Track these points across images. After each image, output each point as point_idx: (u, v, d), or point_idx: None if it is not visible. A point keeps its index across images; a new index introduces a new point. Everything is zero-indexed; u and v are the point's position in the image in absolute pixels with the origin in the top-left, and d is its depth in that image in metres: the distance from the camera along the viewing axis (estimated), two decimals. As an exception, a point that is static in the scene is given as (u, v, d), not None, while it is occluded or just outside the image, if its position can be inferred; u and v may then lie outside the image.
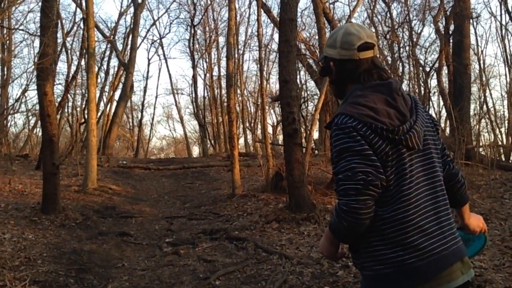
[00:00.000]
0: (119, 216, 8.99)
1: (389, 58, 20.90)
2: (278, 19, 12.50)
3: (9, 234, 6.62)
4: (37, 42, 21.14)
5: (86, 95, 14.08)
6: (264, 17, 18.08)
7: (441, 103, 20.58)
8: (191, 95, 31.02)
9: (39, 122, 23.19)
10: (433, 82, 20.15)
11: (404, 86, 20.96)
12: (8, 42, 21.42)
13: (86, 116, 16.10)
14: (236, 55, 23.35)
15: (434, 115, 18.11)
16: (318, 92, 18.86)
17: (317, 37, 17.77)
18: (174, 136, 43.14)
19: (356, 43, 1.76)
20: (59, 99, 16.01)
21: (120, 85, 25.48)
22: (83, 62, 17.89)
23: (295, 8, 7.72)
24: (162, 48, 33.77)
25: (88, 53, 11.70)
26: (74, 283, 5.24)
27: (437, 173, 1.78)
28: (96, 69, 17.76)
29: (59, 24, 17.02)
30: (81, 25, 20.25)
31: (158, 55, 43.22)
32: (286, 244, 6.33)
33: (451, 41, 15.43)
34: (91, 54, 11.59)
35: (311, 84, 22.25)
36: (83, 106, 20.12)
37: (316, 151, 15.55)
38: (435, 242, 1.67)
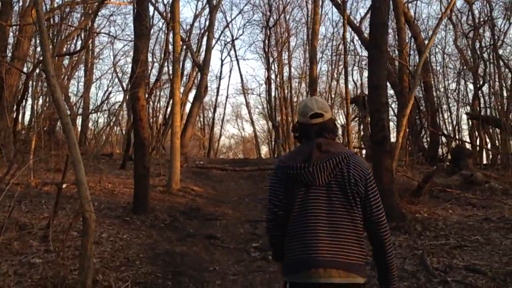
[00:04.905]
0: (204, 218, 9.17)
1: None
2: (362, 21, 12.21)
3: (106, 234, 6.94)
4: (116, 45, 21.92)
5: (167, 98, 14.38)
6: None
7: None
8: (262, 96, 31.20)
9: (118, 121, 24.21)
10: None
11: (485, 88, 19.95)
12: (91, 44, 22.46)
13: (167, 118, 16.62)
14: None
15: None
16: (394, 96, 18.35)
17: (397, 38, 17.33)
18: (243, 135, 43.67)
19: (309, 112, 2.40)
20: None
21: (194, 86, 26.03)
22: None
23: (387, 12, 7.51)
24: (235, 49, 34.26)
25: (174, 58, 11.92)
26: (172, 286, 5.41)
27: None
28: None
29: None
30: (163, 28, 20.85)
31: (230, 56, 43.74)
32: (376, 255, 6.17)
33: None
34: (176, 59, 11.80)
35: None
36: (164, 108, 20.71)
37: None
38: None
